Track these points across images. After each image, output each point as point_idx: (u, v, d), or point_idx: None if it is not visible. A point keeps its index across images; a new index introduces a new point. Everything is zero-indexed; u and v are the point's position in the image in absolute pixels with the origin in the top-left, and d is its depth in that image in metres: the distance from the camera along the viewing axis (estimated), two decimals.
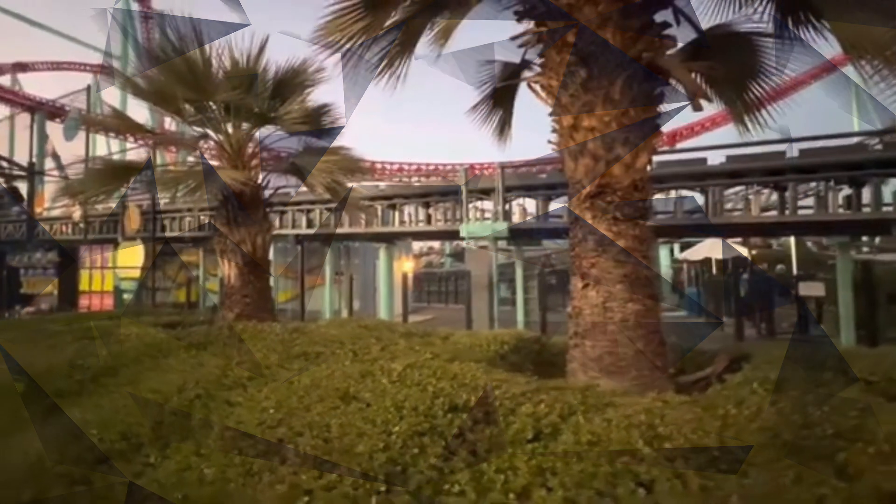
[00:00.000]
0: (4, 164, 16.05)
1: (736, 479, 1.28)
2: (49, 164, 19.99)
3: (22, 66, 36.51)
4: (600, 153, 3.19)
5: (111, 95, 6.35)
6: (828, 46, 3.40)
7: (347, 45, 3.67)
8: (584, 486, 1.30)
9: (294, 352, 3.04)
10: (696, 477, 1.29)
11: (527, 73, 4.04)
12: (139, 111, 7.42)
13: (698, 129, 30.45)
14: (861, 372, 2.58)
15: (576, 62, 3.21)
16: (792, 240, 15.63)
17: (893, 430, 1.49)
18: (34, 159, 16.85)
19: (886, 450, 1.41)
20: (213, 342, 3.53)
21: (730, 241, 17.11)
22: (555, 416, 1.72)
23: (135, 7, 37.11)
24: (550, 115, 3.47)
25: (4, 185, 15.77)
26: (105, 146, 26.26)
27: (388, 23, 3.78)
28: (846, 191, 8.19)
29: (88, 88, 15.09)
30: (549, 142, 3.57)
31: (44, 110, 24.02)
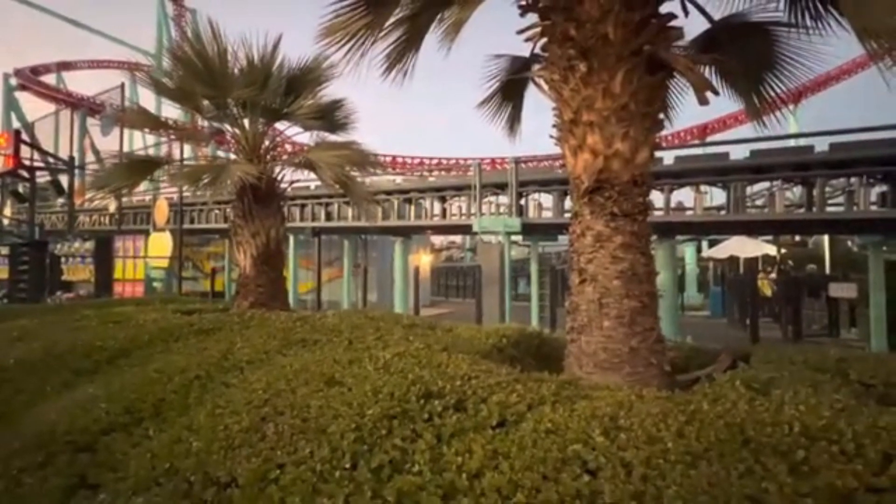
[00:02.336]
0: (50, 158, 17.02)
1: (682, 469, 1.30)
2: (89, 158, 21.06)
3: (65, 65, 38.51)
4: (599, 148, 3.17)
5: (149, 93, 6.66)
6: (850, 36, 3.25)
7: (352, 42, 3.74)
8: (531, 469, 1.35)
9: (293, 339, 3.16)
10: (641, 466, 1.31)
11: (535, 67, 4.03)
12: (174, 108, 7.75)
13: (730, 122, 29.32)
14: (861, 375, 2.51)
15: (576, 56, 3.18)
16: (826, 238, 14.95)
17: (863, 431, 1.47)
18: (75, 154, 17.79)
19: (850, 449, 1.39)
20: (220, 329, 3.70)
21: (760, 238, 16.55)
22: (523, 405, 1.77)
23: (169, 7, 38.37)
24: (552, 109, 3.47)
25: (49, 179, 16.73)
26: (142, 141, 27.49)
27: (393, 18, 3.84)
28: (880, 187, 7.77)
29: (122, 86, 15.81)
30: (551, 136, 3.57)
31: (85, 107, 25.30)
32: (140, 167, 6.38)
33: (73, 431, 2.07)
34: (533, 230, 11.11)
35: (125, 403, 2.28)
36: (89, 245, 16.84)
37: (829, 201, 8.68)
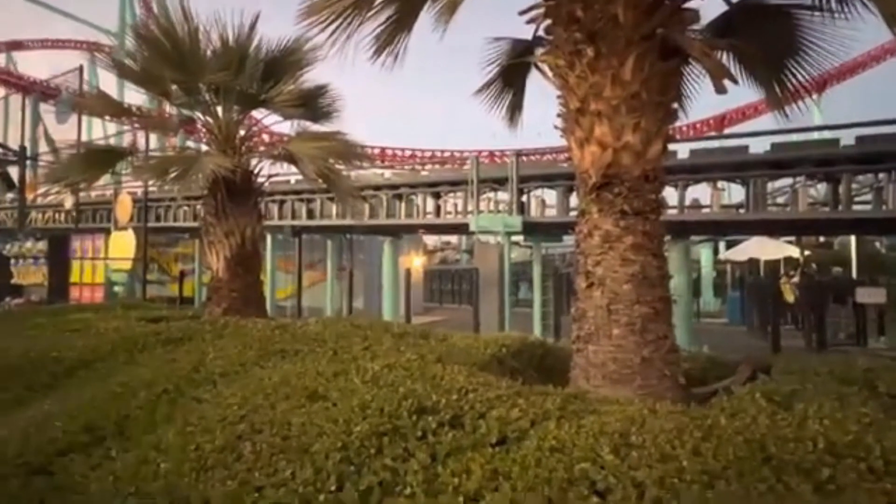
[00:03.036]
0: None
1: (698, 489, 1.32)
2: (43, 148, 20.82)
3: (16, 45, 37.99)
4: (608, 140, 3.19)
5: (110, 76, 6.59)
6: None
7: (338, 22, 3.74)
8: (534, 490, 1.36)
9: (272, 349, 3.16)
10: (654, 486, 1.33)
11: (539, 51, 4.05)
12: (139, 93, 7.69)
13: (750, 113, 29.63)
14: (890, 387, 2.55)
15: (583, 40, 3.20)
16: (852, 239, 15.16)
17: (892, 447, 1.49)
18: (26, 143, 17.58)
19: (878, 466, 1.42)
20: (191, 338, 3.69)
21: (782, 239, 16.74)
22: (525, 421, 1.78)
23: None
24: (558, 97, 3.49)
25: None
26: (102, 130, 27.25)
27: None
28: None
29: (81, 68, 15.67)
30: (556, 127, 3.59)
31: (38, 91, 25.00)
32: (100, 159, 6.33)
33: (26, 452, 2.05)
34: (535, 230, 11.14)
35: (85, 421, 2.27)
36: (42, 245, 16.63)
37: (856, 199, 8.79)
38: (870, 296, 10.78)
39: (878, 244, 17.35)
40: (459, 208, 12.11)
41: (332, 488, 1.54)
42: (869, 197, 8.80)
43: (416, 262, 20.09)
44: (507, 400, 2.00)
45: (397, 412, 1.86)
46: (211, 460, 1.76)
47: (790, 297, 14.20)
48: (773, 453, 1.50)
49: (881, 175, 8.08)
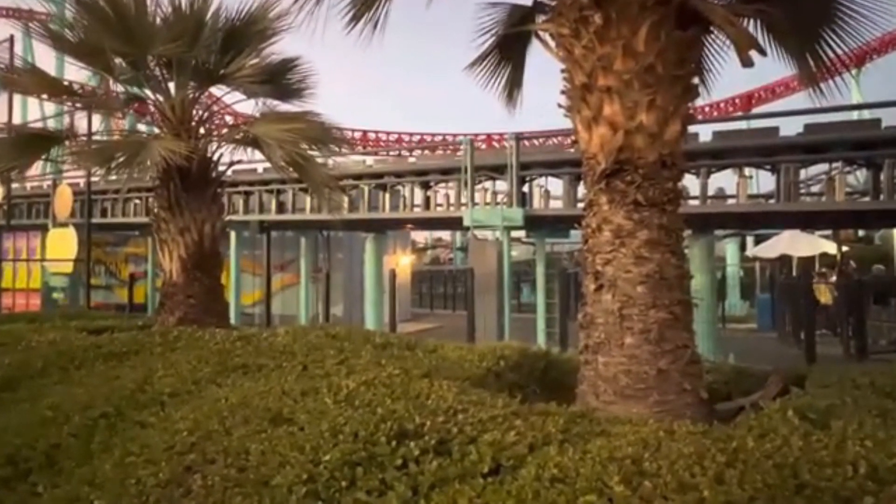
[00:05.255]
0: None
1: None
2: None
3: None
4: (619, 120, 3.18)
5: (47, 49, 6.46)
6: None
7: None
8: None
9: (231, 364, 3.12)
10: None
11: (540, 19, 4.03)
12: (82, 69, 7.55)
13: (780, 91, 29.95)
14: None
15: (590, 4, 3.19)
16: (894, 233, 15.38)
17: None
18: None
19: None
20: (137, 351, 3.64)
21: (817, 233, 16.95)
22: (523, 446, 1.76)
23: None
24: (562, 71, 3.47)
25: None
26: (39, 111, 26.89)
27: None
28: None
29: (11, 39, 15.43)
30: (560, 105, 3.57)
31: None
32: (33, 143, 6.22)
33: None
34: (538, 224, 11.15)
35: (8, 450, 2.22)
36: None
37: None
38: None
39: None
40: (452, 200, 12.09)
41: None
42: None
43: (402, 262, 20.11)
44: (503, 421, 1.98)
45: (374, 437, 1.84)
46: (154, 496, 1.73)
47: (826, 299, 14.35)
48: (808, 480, 1.50)
49: None
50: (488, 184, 11.76)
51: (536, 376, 3.64)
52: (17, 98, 16.02)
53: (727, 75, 4.10)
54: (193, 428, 2.13)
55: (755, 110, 27.97)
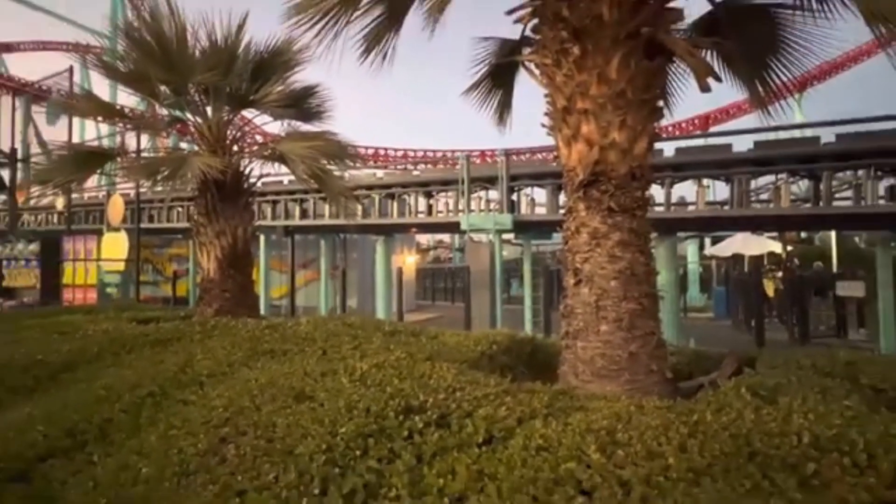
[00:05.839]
0: None
1: (684, 487, 1.29)
2: (35, 150, 20.46)
3: (6, 47, 37.33)
4: (594, 138, 3.16)
5: (103, 78, 6.42)
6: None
7: (325, 21, 3.67)
8: (520, 491, 1.32)
9: (261, 349, 3.09)
10: (640, 485, 1.30)
11: (526, 51, 4.01)
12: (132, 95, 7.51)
13: (734, 112, 29.87)
14: (871, 379, 2.55)
15: (569, 39, 3.17)
16: (833, 234, 15.33)
17: (875, 440, 1.47)
18: (17, 145, 17.25)
19: (862, 461, 1.40)
20: (180, 338, 3.60)
21: (765, 235, 16.89)
22: (512, 419, 1.74)
23: None
24: (545, 96, 3.45)
25: None
26: (95, 131, 26.79)
27: None
28: (888, 180, 7.97)
29: (71, 69, 15.39)
30: (543, 125, 3.55)
31: (28, 93, 24.56)
32: (89, 160, 6.19)
33: (4, 458, 1.97)
34: (525, 227, 11.12)
35: (67, 425, 2.19)
36: (34, 247, 16.33)
37: (836, 195, 8.87)
38: (849, 289, 10.90)
39: (857, 239, 17.56)
40: (451, 207, 12.06)
41: (316, 491, 1.49)
42: (849, 193, 8.88)
43: (408, 261, 20.03)
44: (495, 398, 1.96)
45: (384, 412, 1.81)
46: (193, 464, 1.70)
47: (771, 292, 14.33)
48: (759, 449, 1.48)
49: (860, 172, 8.16)
50: (482, 193, 11.74)
51: (524, 359, 3.62)
52: (75, 120, 15.99)
53: (687, 99, 4.09)
54: (228, 405, 2.11)
55: (712, 129, 27.94)
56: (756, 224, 12.08)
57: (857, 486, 1.30)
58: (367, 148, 28.64)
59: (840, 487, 1.30)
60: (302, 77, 6.15)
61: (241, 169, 6.19)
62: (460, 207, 11.45)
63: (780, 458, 1.43)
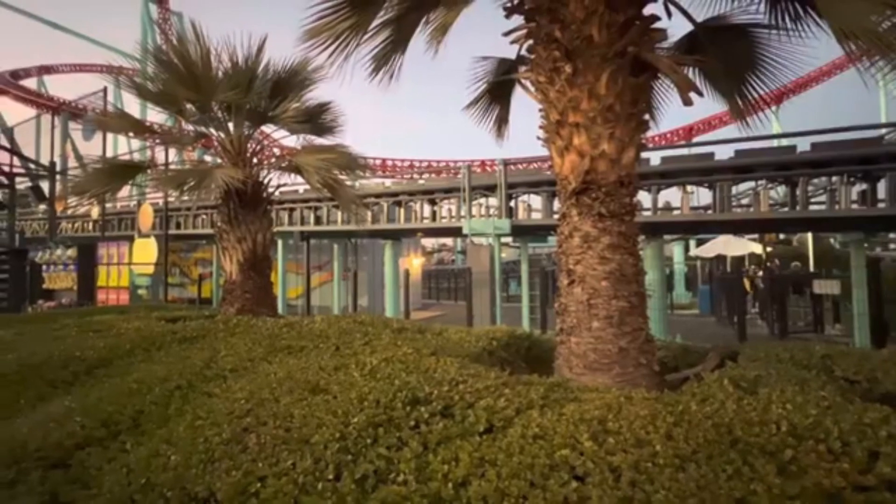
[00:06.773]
0: (30, 164, 16.65)
1: (670, 472, 1.28)
2: (72, 163, 20.66)
3: (47, 69, 37.80)
4: (585, 149, 3.17)
5: (134, 97, 6.49)
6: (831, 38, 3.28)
7: (337, 44, 3.70)
8: (518, 476, 1.32)
9: (279, 345, 3.10)
10: (629, 470, 1.29)
11: (522, 69, 4.03)
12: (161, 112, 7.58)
13: (715, 123, 29.80)
14: (846, 371, 2.53)
15: (561, 58, 3.18)
16: (809, 236, 15.23)
17: (849, 429, 1.47)
18: (56, 159, 17.43)
19: (836, 448, 1.39)
20: (205, 336, 3.62)
21: (746, 237, 16.80)
22: (511, 410, 1.74)
23: (153, 10, 37.91)
24: (540, 110, 3.46)
25: (30, 185, 16.35)
26: (127, 146, 27.05)
27: (378, 20, 3.80)
28: (860, 186, 7.93)
29: (105, 89, 15.56)
30: (538, 137, 3.56)
31: (66, 111, 24.84)
32: (121, 172, 6.25)
33: (45, 447, 1.98)
34: (522, 232, 11.13)
35: (102, 416, 2.20)
36: (71, 252, 16.46)
37: (812, 200, 8.83)
38: (825, 287, 10.82)
39: (832, 240, 17.45)
40: (453, 213, 12.08)
41: (330, 477, 1.49)
42: (823, 198, 8.84)
43: (414, 263, 20.05)
44: (495, 390, 1.95)
45: (392, 403, 1.82)
46: (218, 452, 1.71)
47: (751, 289, 14.25)
48: (740, 436, 1.47)
49: (833, 178, 8.12)
50: (482, 200, 11.76)
51: (522, 353, 3.61)
52: (109, 136, 16.13)
53: (672, 112, 4.10)
54: (249, 397, 2.12)
55: (695, 139, 27.87)
56: (737, 227, 12.04)
57: (832, 471, 1.29)
58: (375, 159, 28.73)
59: (816, 473, 1.29)
60: (316, 94, 6.20)
61: (261, 179, 6.23)
62: (462, 213, 11.48)
63: (759, 446, 1.42)
